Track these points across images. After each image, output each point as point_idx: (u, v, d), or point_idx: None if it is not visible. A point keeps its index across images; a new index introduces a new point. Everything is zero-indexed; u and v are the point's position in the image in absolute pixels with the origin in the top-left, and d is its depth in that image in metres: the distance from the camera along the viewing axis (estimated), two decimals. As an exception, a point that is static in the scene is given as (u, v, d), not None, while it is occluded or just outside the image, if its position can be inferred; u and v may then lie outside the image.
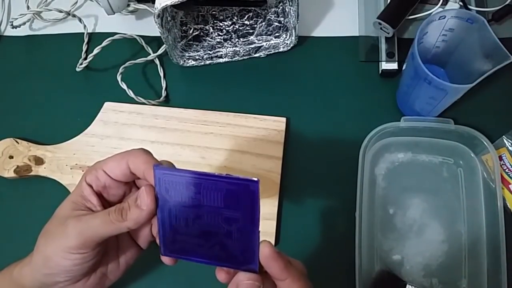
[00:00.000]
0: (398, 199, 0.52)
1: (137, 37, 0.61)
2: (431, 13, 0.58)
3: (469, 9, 0.59)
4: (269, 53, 0.61)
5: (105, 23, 0.65)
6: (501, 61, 0.45)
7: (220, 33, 0.62)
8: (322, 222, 0.52)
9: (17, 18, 0.64)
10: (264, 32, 0.61)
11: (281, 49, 0.61)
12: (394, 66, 0.57)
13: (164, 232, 0.35)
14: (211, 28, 0.62)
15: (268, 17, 0.61)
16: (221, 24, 0.62)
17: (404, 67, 0.56)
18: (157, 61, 0.61)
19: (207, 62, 0.61)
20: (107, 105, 0.58)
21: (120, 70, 0.58)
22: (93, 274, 0.37)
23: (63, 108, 0.60)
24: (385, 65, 0.57)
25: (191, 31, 0.61)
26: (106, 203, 0.37)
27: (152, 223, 0.37)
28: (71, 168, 0.55)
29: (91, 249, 0.35)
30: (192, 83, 0.61)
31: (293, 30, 0.58)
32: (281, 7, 0.60)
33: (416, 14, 0.59)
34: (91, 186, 0.36)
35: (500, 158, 0.51)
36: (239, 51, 0.61)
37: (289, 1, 0.56)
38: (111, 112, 0.58)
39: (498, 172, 0.49)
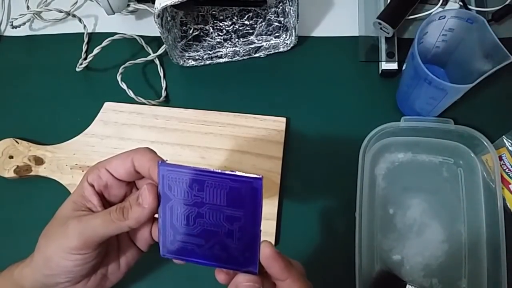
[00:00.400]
0: (398, 199, 0.52)
1: (137, 37, 0.61)
2: (431, 13, 0.58)
3: (469, 9, 0.59)
4: (269, 53, 0.61)
5: (105, 23, 0.65)
6: (501, 61, 0.45)
7: (220, 33, 0.62)
8: (322, 222, 0.52)
9: (17, 18, 0.64)
10: (264, 32, 0.61)
11: (281, 49, 0.61)
12: (394, 66, 0.57)
13: (164, 231, 0.35)
14: (211, 28, 0.62)
15: (268, 17, 0.61)
16: (221, 24, 0.62)
17: (404, 67, 0.56)
18: (157, 61, 0.61)
19: (207, 62, 0.61)
20: (107, 105, 0.58)
21: (120, 70, 0.58)
22: (94, 275, 0.37)
23: (63, 108, 0.60)
24: (385, 65, 0.57)
25: (191, 31, 0.61)
26: (106, 204, 0.37)
27: (151, 225, 0.37)
28: (71, 168, 0.55)
29: (92, 250, 0.35)
30: (192, 83, 0.61)
31: (293, 30, 0.58)
32: (281, 7, 0.60)
33: (416, 14, 0.59)
34: (92, 186, 0.36)
35: (500, 158, 0.51)
36: (239, 51, 0.61)
37: (289, 1, 0.56)
38: (111, 112, 0.58)
39: (498, 172, 0.49)
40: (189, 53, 0.61)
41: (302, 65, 0.61)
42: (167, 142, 0.56)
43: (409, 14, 0.58)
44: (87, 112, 0.58)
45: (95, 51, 0.59)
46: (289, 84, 0.60)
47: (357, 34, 0.61)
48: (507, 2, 0.59)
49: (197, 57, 0.61)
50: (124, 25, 0.64)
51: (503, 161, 0.51)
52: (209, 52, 0.61)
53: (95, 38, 0.63)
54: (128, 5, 0.62)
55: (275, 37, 0.61)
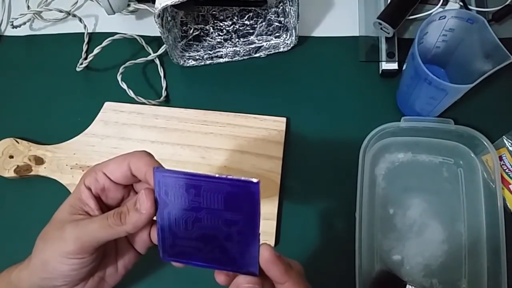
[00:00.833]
0: (398, 199, 0.52)
1: (137, 37, 0.61)
2: (431, 13, 0.58)
3: (469, 9, 0.59)
4: (269, 53, 0.61)
5: (105, 23, 0.65)
6: (501, 61, 0.45)
7: (220, 33, 0.62)
8: (322, 222, 0.52)
9: (17, 18, 0.64)
10: (264, 32, 0.61)
11: (281, 49, 0.61)
12: (394, 66, 0.57)
13: (163, 236, 0.35)
14: (211, 28, 0.62)
15: (268, 17, 0.61)
16: (221, 24, 0.62)
17: (404, 67, 0.56)
18: (157, 61, 0.61)
19: (207, 62, 0.61)
20: (107, 105, 0.58)
21: (120, 70, 0.58)
22: (91, 279, 0.37)
23: (63, 108, 0.60)
24: (385, 65, 0.57)
25: (191, 31, 0.61)
26: (104, 207, 0.37)
27: (150, 228, 0.37)
28: (71, 168, 0.55)
29: (89, 254, 0.34)
30: (192, 83, 0.61)
31: (293, 30, 0.58)
32: (281, 7, 0.60)
33: (416, 14, 0.59)
34: (89, 189, 0.36)
35: (500, 158, 0.51)
36: (239, 51, 0.61)
37: (289, 1, 0.56)
38: (111, 112, 0.58)
39: (498, 172, 0.49)
40: (189, 53, 0.61)
41: (302, 65, 0.61)
42: (167, 142, 0.56)
43: (409, 14, 0.58)
44: (87, 112, 0.58)
45: (96, 51, 0.59)
46: (289, 84, 0.60)
47: (357, 34, 0.61)
48: (507, 2, 0.59)
49: (197, 57, 0.61)
50: (125, 25, 0.64)
51: (503, 161, 0.51)
52: (209, 52, 0.61)
53: (95, 38, 0.63)
54: (129, 5, 0.62)
55: (275, 37, 0.61)
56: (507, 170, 0.51)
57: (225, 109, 0.57)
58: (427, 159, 0.54)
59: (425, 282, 0.49)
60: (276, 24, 0.61)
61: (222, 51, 0.61)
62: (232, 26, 0.62)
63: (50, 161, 0.55)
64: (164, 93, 0.59)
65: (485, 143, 0.50)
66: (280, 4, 0.60)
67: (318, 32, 0.62)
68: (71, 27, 0.65)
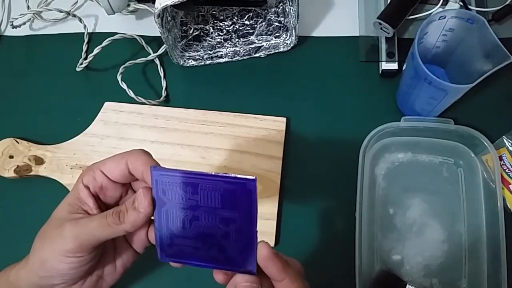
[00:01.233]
0: (398, 199, 0.52)
1: (137, 37, 0.61)
2: (431, 13, 0.58)
3: (469, 9, 0.59)
4: (269, 53, 0.61)
5: (105, 23, 0.65)
6: (501, 61, 0.45)
7: (220, 33, 0.62)
8: (322, 222, 0.52)
9: (17, 18, 0.64)
10: (264, 32, 0.61)
11: (281, 49, 0.61)
12: (394, 66, 0.57)
13: (161, 235, 0.35)
14: (211, 28, 0.62)
15: (268, 17, 0.61)
16: (221, 24, 0.62)
17: (404, 67, 0.56)
18: (157, 61, 0.61)
19: (207, 62, 0.61)
20: (107, 105, 0.58)
21: (120, 70, 0.58)
22: (89, 277, 0.37)
23: (63, 108, 0.60)
24: (385, 65, 0.57)
25: (191, 31, 0.61)
26: (102, 205, 0.37)
27: (148, 228, 0.37)
28: (71, 168, 0.55)
29: (87, 253, 0.35)
30: (192, 83, 0.61)
31: (293, 30, 0.58)
32: (281, 7, 0.60)
33: (416, 14, 0.59)
34: (88, 188, 0.36)
35: (500, 158, 0.51)
36: (239, 51, 0.61)
37: (289, 1, 0.56)
38: (111, 112, 0.58)
39: (498, 172, 0.49)
40: (189, 53, 0.61)
41: (302, 65, 0.61)
42: (167, 142, 0.56)
43: (409, 14, 0.58)
44: (87, 112, 0.58)
45: (95, 51, 0.59)
46: (289, 84, 0.60)
47: (357, 34, 0.61)
48: (507, 2, 0.59)
49: (197, 57, 0.61)
50: (124, 25, 0.64)
51: (503, 161, 0.51)
52: (209, 52, 0.61)
53: (95, 38, 0.63)
54: (128, 5, 0.62)
55: (275, 37, 0.61)
56: (507, 170, 0.51)
57: (225, 109, 0.57)
58: (427, 159, 0.54)
59: (425, 282, 0.49)
60: (276, 24, 0.61)
61: (222, 51, 0.61)
62: (232, 26, 0.62)
63: (50, 161, 0.55)
64: (164, 93, 0.59)
65: (485, 143, 0.50)
66: (280, 4, 0.60)
67: (318, 32, 0.62)
68: (71, 27, 0.65)
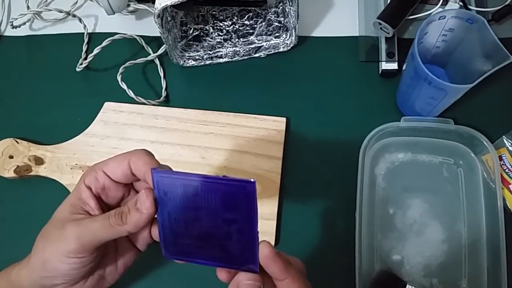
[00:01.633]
0: (398, 199, 0.52)
1: (137, 37, 0.61)
2: (431, 13, 0.58)
3: (469, 9, 0.59)
4: (269, 53, 0.61)
5: (105, 23, 0.65)
6: (501, 61, 0.45)
7: (220, 33, 0.62)
8: (322, 222, 0.52)
9: (17, 18, 0.64)
10: (264, 32, 0.61)
11: (281, 49, 0.61)
12: (394, 66, 0.57)
13: (164, 234, 0.35)
14: (211, 28, 0.62)
15: (268, 17, 0.61)
16: (221, 24, 0.62)
17: (404, 67, 0.56)
18: (157, 61, 0.61)
19: (207, 62, 0.61)
20: (107, 105, 0.58)
21: (120, 70, 0.58)
22: (91, 277, 0.38)
23: (63, 108, 0.60)
24: (385, 65, 0.57)
25: (191, 31, 0.61)
26: (104, 206, 0.37)
27: (151, 226, 0.37)
28: (71, 168, 0.55)
29: (89, 253, 0.35)
30: (192, 83, 0.61)
31: (293, 30, 0.58)
32: (281, 7, 0.60)
33: (416, 14, 0.60)
34: (90, 189, 0.36)
35: (500, 158, 0.51)
36: (239, 51, 0.61)
37: (289, 1, 0.56)
38: (111, 112, 0.58)
39: (498, 172, 0.49)
40: (189, 53, 0.61)
41: (302, 65, 0.61)
42: (167, 142, 0.56)
43: (409, 14, 0.58)
44: (87, 112, 0.58)
45: (95, 51, 0.59)
46: (289, 84, 0.60)
47: (357, 34, 0.61)
48: (507, 2, 0.59)
49: (197, 57, 0.61)
50: (124, 25, 0.64)
51: (503, 161, 0.51)
52: (209, 52, 0.61)
53: (95, 38, 0.63)
54: (128, 5, 0.62)
55: (275, 37, 0.61)
56: (507, 170, 0.51)
57: (225, 109, 0.57)
58: (427, 159, 0.54)
59: (425, 282, 0.49)
60: (276, 24, 0.61)
61: (222, 51, 0.61)
62: (232, 26, 0.62)
63: (50, 161, 0.55)
64: (164, 93, 0.59)
65: (485, 143, 0.50)
66: (280, 4, 0.60)
67: (318, 32, 0.62)
68: (71, 27, 0.65)
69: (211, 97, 0.59)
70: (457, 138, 0.53)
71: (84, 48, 0.63)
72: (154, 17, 0.51)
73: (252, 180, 0.31)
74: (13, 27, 0.64)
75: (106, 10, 0.58)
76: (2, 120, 0.60)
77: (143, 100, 0.58)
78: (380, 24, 0.56)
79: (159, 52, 0.60)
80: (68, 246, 0.34)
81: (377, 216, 0.52)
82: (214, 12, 0.62)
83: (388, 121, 0.52)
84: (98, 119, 0.57)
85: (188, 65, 0.61)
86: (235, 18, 0.62)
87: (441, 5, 0.59)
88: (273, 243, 0.51)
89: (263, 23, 0.62)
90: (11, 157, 0.55)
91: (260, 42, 0.61)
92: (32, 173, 0.55)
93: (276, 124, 0.56)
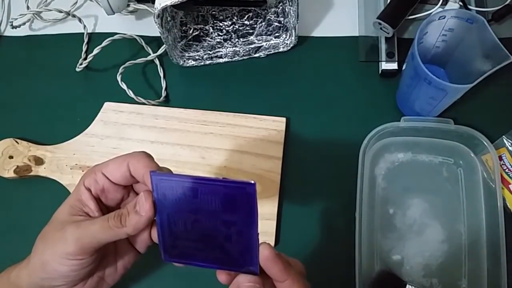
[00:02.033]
0: (398, 199, 0.52)
1: (137, 37, 0.61)
2: (431, 13, 0.58)
3: (469, 9, 0.59)
4: (269, 53, 0.61)
5: (105, 23, 0.65)
6: (501, 61, 0.45)
7: (220, 33, 0.62)
8: (322, 222, 0.52)
9: (17, 18, 0.64)
10: (264, 32, 0.61)
11: (281, 49, 0.61)
12: (394, 66, 0.57)
13: (164, 237, 0.35)
14: (211, 28, 0.62)
15: (268, 17, 0.61)
16: (221, 24, 0.62)
17: (404, 67, 0.56)
18: (157, 61, 0.61)
19: (207, 62, 0.61)
20: (107, 105, 0.58)
21: (120, 70, 0.58)
22: (90, 279, 0.38)
23: (63, 108, 0.60)
24: (385, 65, 0.57)
25: (191, 31, 0.61)
26: (104, 208, 0.37)
27: (151, 228, 0.37)
28: (71, 168, 0.55)
29: (89, 255, 0.35)
30: (192, 83, 0.61)
31: (293, 30, 0.58)
32: (281, 7, 0.60)
33: (416, 14, 0.59)
34: (89, 190, 0.36)
35: (500, 158, 0.51)
36: (239, 51, 0.61)
37: (289, 1, 0.56)
38: (111, 112, 0.58)
39: (498, 172, 0.49)
40: (189, 53, 0.61)
41: (302, 65, 0.61)
42: (167, 142, 0.56)
43: (409, 14, 0.58)
44: (87, 112, 0.58)
45: (95, 51, 0.59)
46: (289, 84, 0.60)
47: (357, 34, 0.61)
48: (507, 2, 0.59)
49: (197, 57, 0.61)
50: (124, 25, 0.64)
51: (503, 161, 0.51)
52: (209, 52, 0.61)
53: (95, 38, 0.63)
54: (128, 5, 0.62)
55: (275, 37, 0.61)
56: (507, 170, 0.51)
57: (225, 109, 0.57)
58: (427, 159, 0.54)
59: (425, 282, 0.49)
60: (276, 24, 0.61)
61: (221, 51, 0.61)
62: (231, 26, 0.62)
63: (50, 162, 0.55)
64: (163, 93, 0.59)
65: (485, 143, 0.50)
66: (280, 4, 0.60)
67: (318, 32, 0.62)
68: (71, 27, 0.65)
69: (211, 97, 0.59)
70: (457, 138, 0.53)
71: (84, 48, 0.62)
72: (154, 17, 0.51)
73: (252, 182, 0.30)
74: (13, 27, 0.64)
75: (106, 10, 0.58)
76: (2, 120, 0.60)
77: (143, 100, 0.58)
78: (380, 24, 0.56)
79: (159, 52, 0.60)
80: (68, 248, 0.34)
81: (377, 216, 0.52)
82: (214, 12, 0.62)
83: (388, 121, 0.52)
84: (98, 119, 0.57)
85: (188, 65, 0.61)
86: (235, 18, 0.62)
87: (441, 5, 0.59)
88: (273, 243, 0.51)
89: (263, 23, 0.62)
90: (11, 157, 0.55)
91: (260, 42, 0.61)
92: (32, 173, 0.55)
93: (276, 124, 0.56)
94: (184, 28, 0.61)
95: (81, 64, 0.61)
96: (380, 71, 0.58)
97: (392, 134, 0.53)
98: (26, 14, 0.64)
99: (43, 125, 0.59)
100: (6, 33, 0.66)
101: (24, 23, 0.66)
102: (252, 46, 0.61)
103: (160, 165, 0.36)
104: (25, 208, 0.55)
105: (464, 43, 0.51)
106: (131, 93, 0.57)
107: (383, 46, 0.58)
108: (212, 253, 0.34)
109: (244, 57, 0.61)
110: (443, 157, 0.54)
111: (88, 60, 0.60)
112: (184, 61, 0.60)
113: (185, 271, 0.50)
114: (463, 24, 0.49)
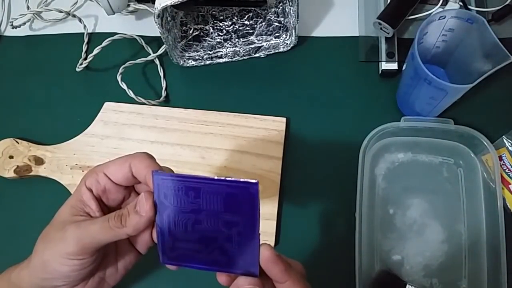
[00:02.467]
0: (398, 199, 0.52)
1: (137, 37, 0.61)
2: (431, 13, 0.58)
3: (469, 9, 0.59)
4: (269, 53, 0.61)
5: (105, 23, 0.65)
6: (501, 61, 0.45)
7: (220, 33, 0.62)
8: (322, 222, 0.52)
9: (17, 18, 0.64)
10: (264, 32, 0.61)
11: (281, 49, 0.61)
12: (394, 66, 0.57)
13: (163, 239, 0.35)
14: (211, 28, 0.62)
15: (268, 17, 0.61)
16: (221, 24, 0.62)
17: (404, 67, 0.56)
18: (157, 61, 0.61)
19: (207, 62, 0.61)
20: (107, 105, 0.58)
21: (120, 70, 0.58)
22: (91, 279, 0.37)
23: (63, 108, 0.60)
24: (385, 65, 0.57)
25: (191, 31, 0.61)
26: (105, 208, 0.37)
27: (152, 229, 0.37)
28: (71, 168, 0.55)
29: (89, 255, 0.35)
30: (192, 83, 0.61)
31: (293, 30, 0.58)
32: (281, 7, 0.60)
33: (416, 14, 0.59)
34: (90, 191, 0.36)
35: (500, 158, 0.51)
36: (239, 51, 0.61)
37: (289, 1, 0.56)
38: (111, 112, 0.58)
39: (498, 172, 0.49)
40: (189, 53, 0.61)
41: (302, 65, 0.61)
42: (167, 142, 0.56)
43: (409, 14, 0.58)
44: (87, 112, 0.58)
45: (95, 51, 0.59)
46: (289, 84, 0.60)
47: (357, 34, 0.61)
48: (507, 2, 0.59)
49: (197, 57, 0.61)
50: (124, 25, 0.64)
51: (503, 161, 0.51)
52: (209, 52, 0.61)
53: (95, 38, 0.63)
54: (128, 5, 0.62)
55: (275, 37, 0.61)
56: (507, 170, 0.51)
57: (225, 109, 0.57)
58: (427, 159, 0.54)
59: (425, 282, 0.49)
60: (276, 24, 0.61)
61: (222, 51, 0.61)
62: (232, 26, 0.62)
63: (50, 162, 0.55)
64: (164, 93, 0.59)
65: (485, 143, 0.50)
66: (280, 4, 0.60)
67: (318, 32, 0.62)
68: (71, 27, 0.65)
69: (211, 97, 0.59)
70: (457, 138, 0.53)
71: (84, 48, 0.62)
72: (154, 17, 0.51)
73: (254, 181, 0.30)
74: (13, 27, 0.64)
75: (106, 10, 0.58)
76: (2, 120, 0.60)
77: (143, 100, 0.58)
78: (380, 24, 0.56)
79: (159, 52, 0.60)
80: (68, 248, 0.34)
81: (377, 216, 0.52)
82: (214, 12, 0.62)
83: (388, 121, 0.52)
84: (98, 119, 0.57)
85: (188, 65, 0.61)
86: (235, 18, 0.62)
87: (441, 5, 0.59)
88: (273, 243, 0.51)
89: (263, 23, 0.62)
90: (11, 157, 0.55)
91: (260, 42, 0.61)
92: (32, 173, 0.55)
93: (276, 124, 0.56)
94: (184, 28, 0.61)
95: (81, 64, 0.61)
96: (380, 71, 0.58)
97: (392, 134, 0.53)
98: (26, 14, 0.64)
99: (43, 125, 0.59)
100: (6, 33, 0.66)
101: (24, 23, 0.66)
102: (252, 46, 0.61)
103: (161, 165, 0.36)
104: (25, 208, 0.55)
105: (464, 43, 0.51)
106: (131, 93, 0.57)
107: (383, 46, 0.58)
108: (212, 255, 0.34)
109: (244, 57, 0.61)
110: (443, 157, 0.54)
111: (88, 60, 0.60)
112: (184, 61, 0.60)
113: (186, 272, 0.50)
114: (463, 24, 0.49)
